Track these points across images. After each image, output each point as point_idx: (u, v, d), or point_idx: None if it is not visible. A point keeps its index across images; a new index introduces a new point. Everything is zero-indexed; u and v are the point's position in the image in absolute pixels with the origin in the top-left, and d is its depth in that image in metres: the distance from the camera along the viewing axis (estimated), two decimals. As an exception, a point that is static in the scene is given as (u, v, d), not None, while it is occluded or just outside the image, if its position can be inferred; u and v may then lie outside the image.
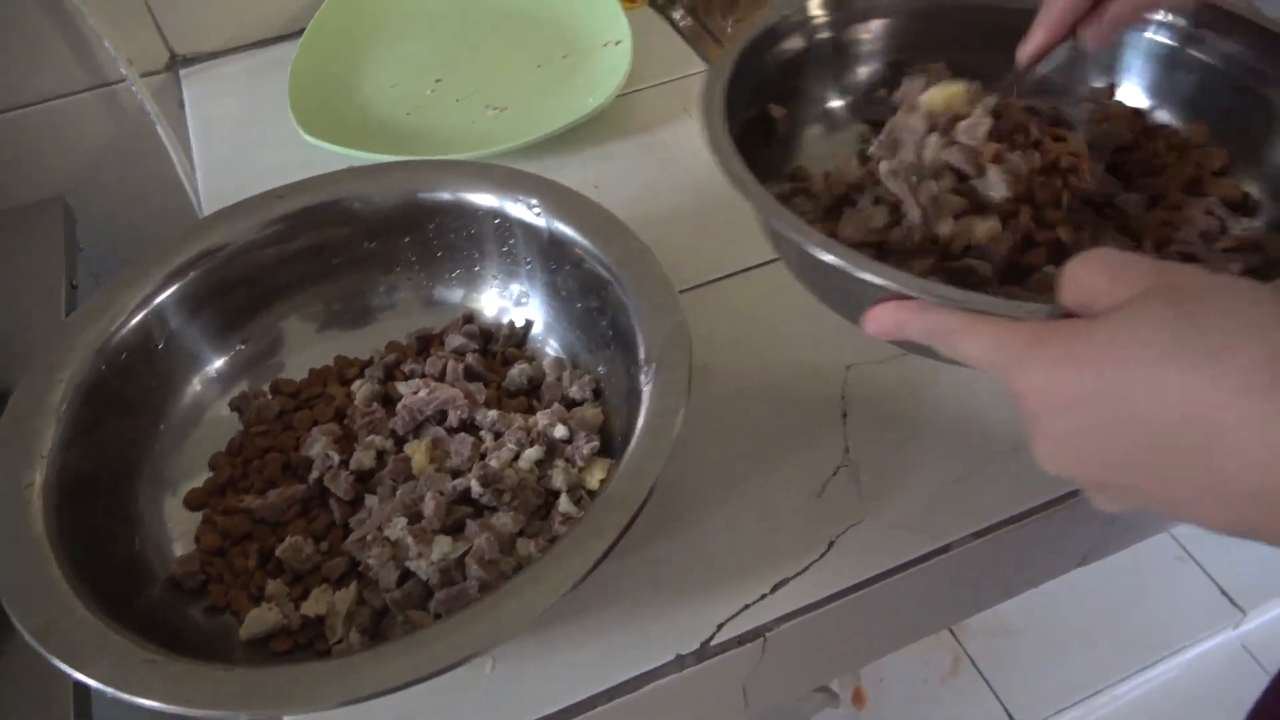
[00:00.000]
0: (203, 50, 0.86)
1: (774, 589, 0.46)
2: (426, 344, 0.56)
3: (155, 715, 0.37)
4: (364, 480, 0.49)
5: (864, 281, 0.37)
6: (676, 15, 0.85)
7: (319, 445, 0.50)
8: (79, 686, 0.51)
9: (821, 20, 0.54)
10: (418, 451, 0.49)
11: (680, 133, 0.72)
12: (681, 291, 0.59)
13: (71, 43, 0.81)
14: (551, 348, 0.55)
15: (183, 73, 0.85)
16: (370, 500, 0.48)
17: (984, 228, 0.43)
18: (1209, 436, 0.27)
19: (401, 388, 0.52)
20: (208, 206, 0.72)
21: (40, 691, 0.51)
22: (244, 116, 0.79)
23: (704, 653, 0.45)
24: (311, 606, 0.45)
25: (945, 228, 0.43)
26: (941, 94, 0.46)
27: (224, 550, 0.48)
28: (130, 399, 0.49)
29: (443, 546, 0.45)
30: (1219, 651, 1.21)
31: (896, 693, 1.18)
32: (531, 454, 0.48)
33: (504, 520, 0.46)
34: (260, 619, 0.45)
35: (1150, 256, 0.31)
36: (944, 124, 0.46)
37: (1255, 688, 0.49)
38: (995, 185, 0.43)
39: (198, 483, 0.51)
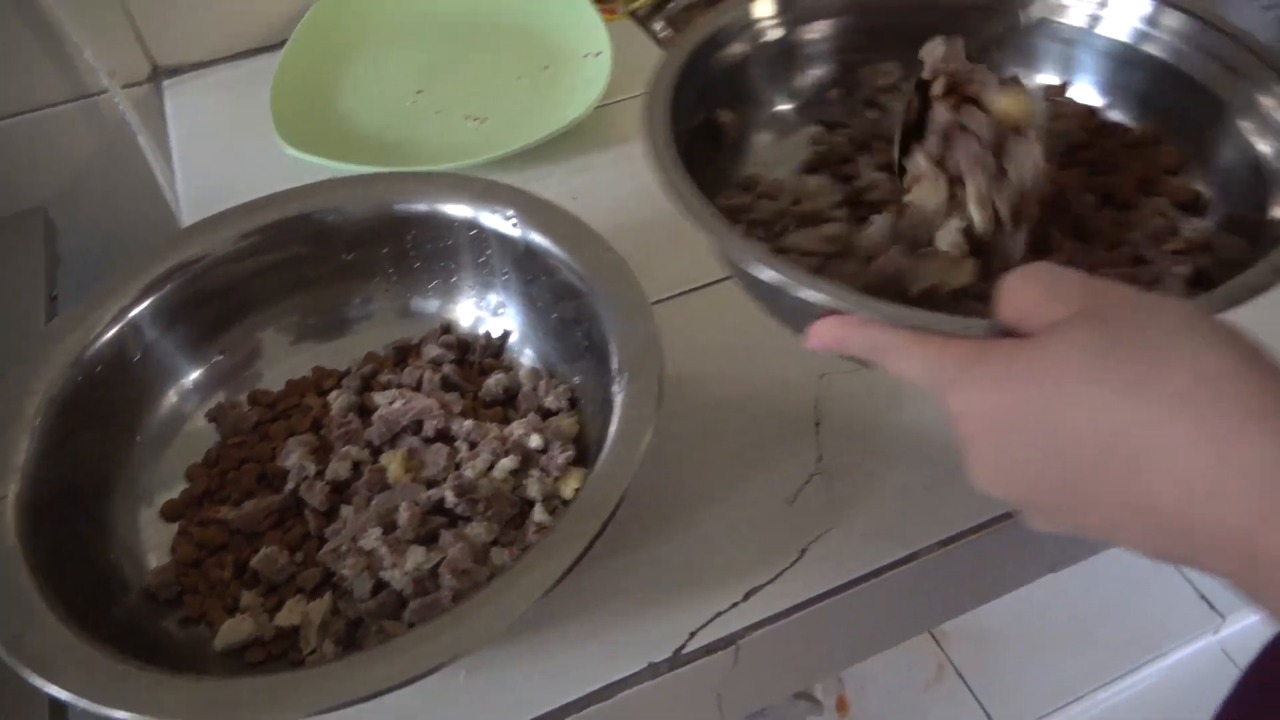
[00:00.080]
0: (185, 61, 0.86)
1: (746, 596, 0.47)
2: (404, 354, 0.56)
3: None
4: (340, 491, 0.50)
5: (802, 299, 0.37)
6: (657, 27, 0.86)
7: (295, 456, 0.50)
8: (55, 698, 0.51)
9: (768, 23, 0.53)
10: (393, 462, 0.49)
11: (659, 144, 0.73)
12: (658, 301, 0.60)
13: (53, 54, 0.81)
14: (527, 357, 0.55)
15: (165, 84, 0.85)
16: (345, 511, 0.49)
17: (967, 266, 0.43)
18: (1137, 462, 0.27)
19: (378, 398, 0.52)
20: (188, 218, 0.72)
21: (16, 704, 0.51)
22: (226, 128, 0.79)
23: (676, 660, 0.45)
24: (286, 617, 0.45)
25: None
26: (1014, 103, 0.44)
27: (200, 561, 0.48)
28: (106, 411, 0.50)
29: (416, 556, 0.45)
30: (1200, 656, 1.22)
31: (881, 700, 1.18)
32: (506, 464, 0.49)
33: (478, 530, 0.46)
34: (234, 630, 0.45)
35: (1086, 271, 0.31)
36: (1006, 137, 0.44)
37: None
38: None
39: (175, 494, 0.51)
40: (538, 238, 0.52)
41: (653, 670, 0.45)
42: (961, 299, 0.41)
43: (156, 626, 0.46)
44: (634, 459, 0.42)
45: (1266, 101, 0.43)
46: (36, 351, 0.48)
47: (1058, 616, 1.22)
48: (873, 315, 0.36)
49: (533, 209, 0.52)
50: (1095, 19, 0.51)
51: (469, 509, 0.47)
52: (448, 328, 0.56)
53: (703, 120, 0.51)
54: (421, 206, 0.54)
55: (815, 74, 0.55)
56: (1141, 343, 0.28)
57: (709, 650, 0.45)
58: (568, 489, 0.48)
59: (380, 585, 0.45)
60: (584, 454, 0.50)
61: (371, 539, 0.46)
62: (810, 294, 0.37)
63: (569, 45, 0.80)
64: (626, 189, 0.69)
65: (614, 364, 0.46)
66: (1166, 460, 0.26)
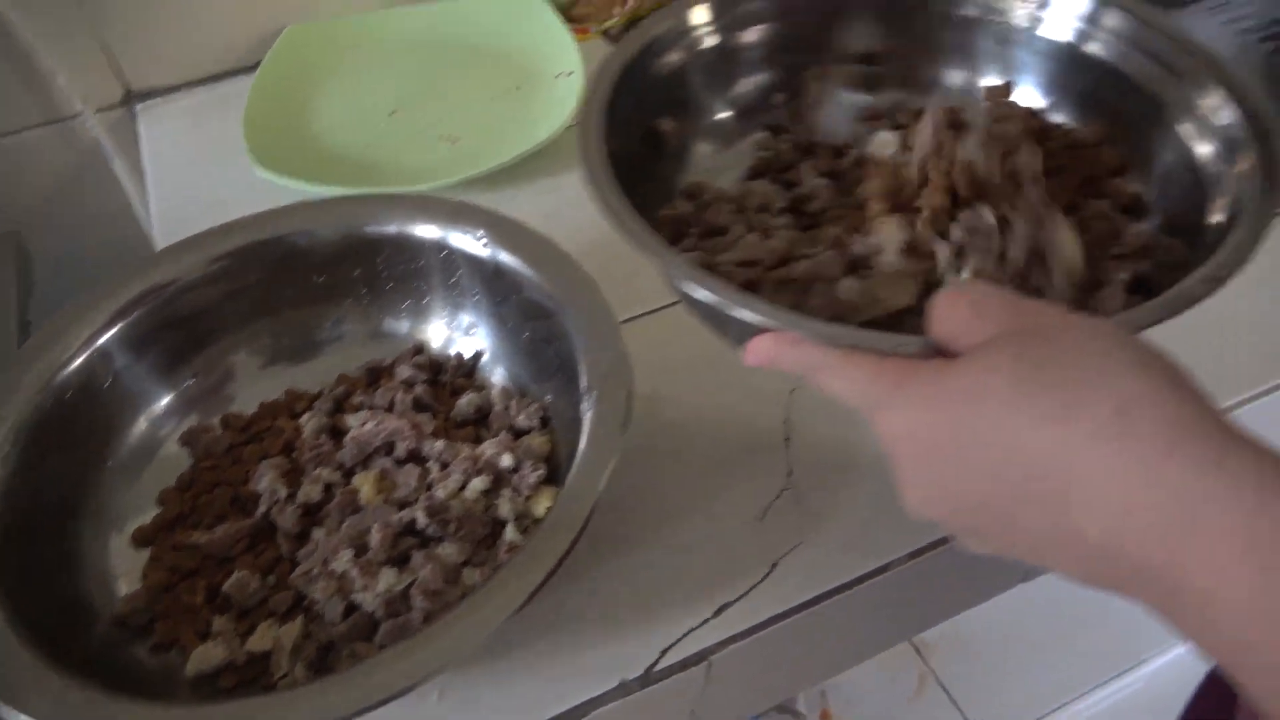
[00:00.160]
0: (159, 85, 0.86)
1: (717, 612, 0.47)
2: (377, 375, 0.56)
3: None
4: (312, 513, 0.50)
5: (734, 318, 0.37)
6: (629, 46, 0.87)
7: (266, 479, 0.50)
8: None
9: (704, 30, 0.53)
10: (365, 483, 0.49)
11: (631, 162, 0.73)
12: (630, 319, 0.60)
13: (25, 79, 0.81)
14: (499, 376, 0.56)
15: (138, 107, 0.85)
16: (317, 533, 0.49)
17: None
18: (1062, 489, 0.27)
19: (350, 420, 0.53)
20: (162, 242, 0.72)
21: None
22: (199, 151, 0.79)
23: (648, 678, 0.45)
24: (257, 642, 0.45)
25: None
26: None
27: (171, 586, 0.48)
28: (76, 436, 0.50)
29: (388, 579, 0.45)
30: (1181, 663, 1.22)
31: (865, 713, 1.18)
32: (478, 484, 0.49)
33: (449, 551, 0.46)
34: (206, 655, 0.45)
35: (1012, 291, 0.31)
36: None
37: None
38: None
39: (148, 519, 0.51)
40: (507, 258, 0.52)
41: (625, 688, 0.45)
42: (902, 316, 0.41)
43: (127, 654, 0.46)
44: (601, 478, 0.42)
45: (1205, 103, 0.43)
46: (6, 377, 0.48)
47: (1039, 625, 1.22)
48: (806, 333, 0.35)
49: (502, 229, 0.53)
50: (1036, 19, 0.51)
51: (440, 530, 0.47)
52: (420, 348, 0.57)
53: (643, 130, 0.51)
54: (392, 228, 0.54)
55: (756, 79, 0.54)
56: (1065, 367, 0.27)
57: (681, 667, 0.46)
58: (539, 508, 0.49)
59: (352, 608, 0.46)
60: (556, 472, 0.50)
61: (343, 561, 0.46)
62: (744, 313, 0.37)
63: (541, 65, 0.81)
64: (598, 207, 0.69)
65: (583, 383, 0.46)
66: (1090, 490, 0.26)
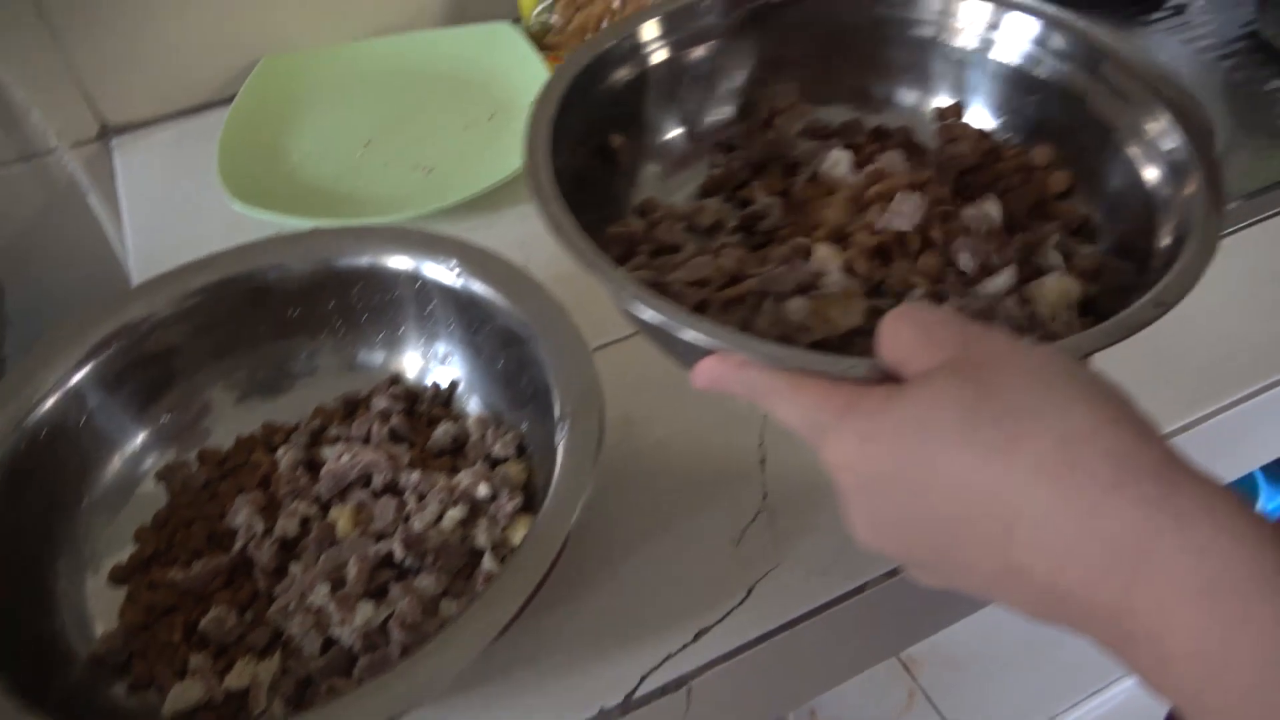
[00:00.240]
0: (134, 119, 0.87)
1: (696, 637, 0.47)
2: (353, 407, 0.56)
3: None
4: (289, 548, 0.50)
5: (679, 339, 0.36)
6: (602, 72, 0.87)
7: (243, 514, 0.50)
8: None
9: (655, 45, 0.51)
10: (342, 516, 0.50)
11: (605, 188, 0.74)
12: (601, 346, 0.61)
13: (-1, 115, 0.81)
14: (475, 405, 0.56)
15: (114, 141, 0.86)
16: (295, 568, 0.49)
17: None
18: (1006, 526, 0.26)
19: (326, 453, 0.53)
20: (138, 276, 0.72)
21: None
22: (175, 184, 0.80)
23: (628, 705, 0.45)
24: (235, 679, 0.45)
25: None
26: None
27: (148, 624, 0.48)
28: (50, 476, 0.49)
29: (365, 612, 0.45)
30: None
31: (855, 729, 1.18)
32: (454, 514, 0.49)
33: (427, 582, 0.46)
34: (183, 694, 0.45)
35: (960, 315, 0.31)
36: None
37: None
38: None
39: (126, 557, 0.51)
40: (480, 287, 0.52)
41: (604, 716, 0.45)
42: (852, 337, 0.40)
43: (105, 694, 0.46)
44: (574, 508, 0.42)
45: (1152, 127, 0.44)
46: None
47: (1026, 639, 1.22)
48: (752, 355, 0.35)
49: (474, 259, 0.53)
50: (987, 41, 0.51)
51: (418, 561, 0.47)
52: (396, 379, 0.57)
53: (593, 146, 0.50)
54: (365, 261, 0.54)
55: (707, 96, 0.54)
56: (1009, 399, 0.27)
57: (661, 693, 0.46)
58: (517, 537, 0.49)
59: (330, 642, 0.45)
60: (533, 500, 0.50)
61: (320, 596, 0.46)
62: (688, 334, 0.36)
63: (515, 94, 0.81)
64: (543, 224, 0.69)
65: (556, 411, 0.47)
66: (1034, 528, 0.25)
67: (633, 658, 0.46)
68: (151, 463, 0.54)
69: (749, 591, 0.48)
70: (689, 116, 0.54)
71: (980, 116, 0.53)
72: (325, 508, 0.51)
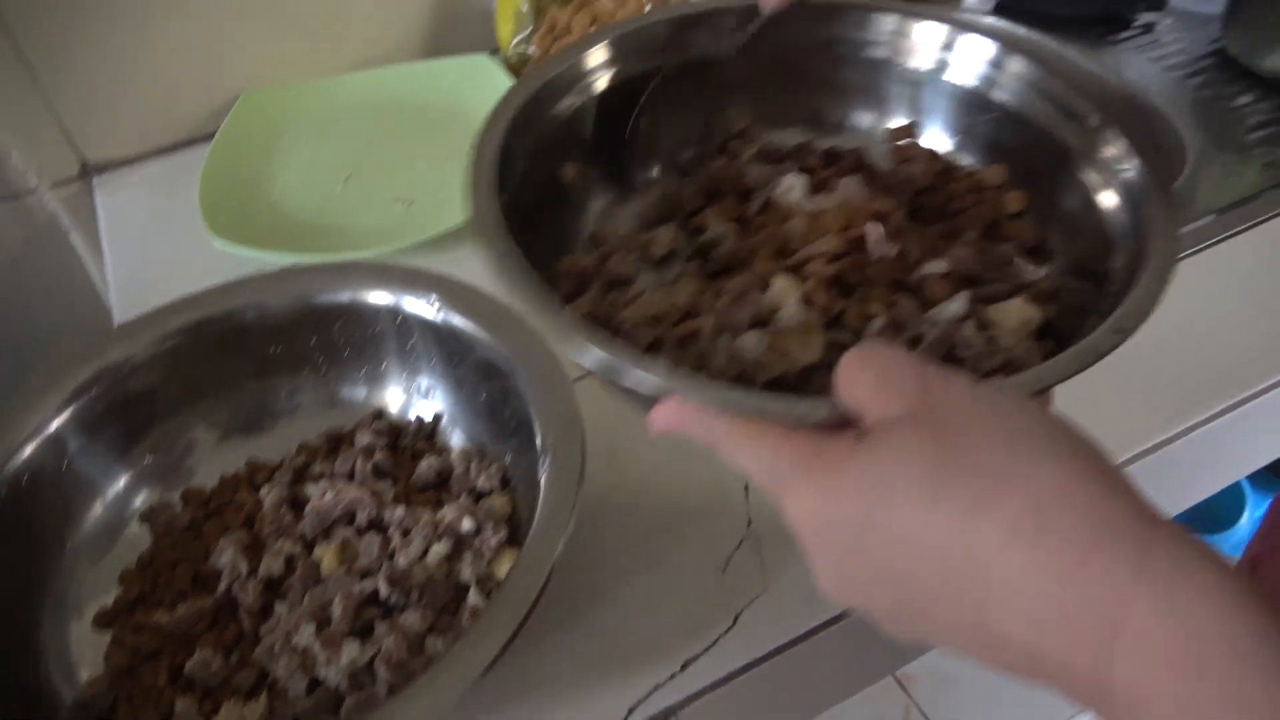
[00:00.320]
0: (115, 157, 0.87)
1: (683, 667, 0.47)
2: (337, 443, 0.56)
3: None
4: (274, 587, 0.50)
5: (627, 389, 0.35)
6: (581, 101, 0.88)
7: (227, 555, 0.50)
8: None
9: (601, 71, 0.50)
10: (327, 554, 0.49)
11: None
12: (583, 377, 0.61)
13: (-22, 156, 0.81)
14: (458, 438, 0.56)
15: (95, 180, 0.86)
16: (280, 607, 0.48)
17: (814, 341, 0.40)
18: (980, 590, 0.25)
19: (310, 490, 0.53)
20: (120, 314, 0.73)
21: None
22: (157, 221, 0.80)
23: (617, 737, 0.45)
24: (221, 722, 0.45)
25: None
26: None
27: (134, 668, 0.48)
28: (33, 522, 0.49)
29: (351, 651, 0.45)
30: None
31: (851, 748, 1.18)
32: (439, 549, 0.49)
33: (412, 619, 0.46)
34: (169, 738, 0.44)
35: (920, 356, 0.30)
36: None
37: None
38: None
39: (111, 601, 0.50)
40: (460, 321, 0.53)
41: (593, 749, 0.45)
42: (810, 372, 0.39)
43: (89, 741, 0.45)
44: (558, 541, 0.42)
45: (1108, 151, 0.43)
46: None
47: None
48: (704, 400, 0.33)
49: (454, 292, 0.53)
50: (942, 63, 0.50)
51: (403, 598, 0.47)
52: (379, 414, 0.57)
53: (543, 177, 0.48)
54: (345, 297, 0.55)
55: (659, 122, 0.52)
56: (974, 457, 0.26)
57: (650, 724, 0.46)
58: (502, 570, 0.49)
59: (316, 683, 0.45)
60: (518, 533, 0.51)
61: (305, 636, 0.46)
62: (635, 379, 0.34)
63: (494, 124, 0.82)
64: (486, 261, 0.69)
65: (538, 443, 0.47)
66: (1012, 594, 0.25)
67: (620, 690, 0.46)
68: (135, 505, 0.54)
69: (735, 619, 0.48)
70: (640, 142, 0.52)
71: (936, 138, 0.52)
72: (310, 546, 0.51)
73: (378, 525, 0.51)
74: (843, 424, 0.30)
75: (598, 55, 0.50)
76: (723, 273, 0.45)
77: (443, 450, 0.55)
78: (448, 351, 0.54)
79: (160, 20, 0.82)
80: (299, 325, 0.55)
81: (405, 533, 0.50)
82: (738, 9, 0.50)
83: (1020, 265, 0.44)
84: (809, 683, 0.52)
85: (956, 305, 0.40)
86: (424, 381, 0.57)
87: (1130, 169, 0.42)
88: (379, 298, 0.54)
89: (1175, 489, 0.66)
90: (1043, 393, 0.34)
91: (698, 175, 0.52)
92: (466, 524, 0.50)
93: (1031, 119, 0.47)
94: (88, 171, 0.86)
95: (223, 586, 0.50)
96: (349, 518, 0.51)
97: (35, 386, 0.51)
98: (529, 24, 0.85)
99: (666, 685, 0.46)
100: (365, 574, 0.49)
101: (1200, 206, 0.69)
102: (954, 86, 0.50)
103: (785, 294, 0.40)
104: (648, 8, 0.85)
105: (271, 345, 0.55)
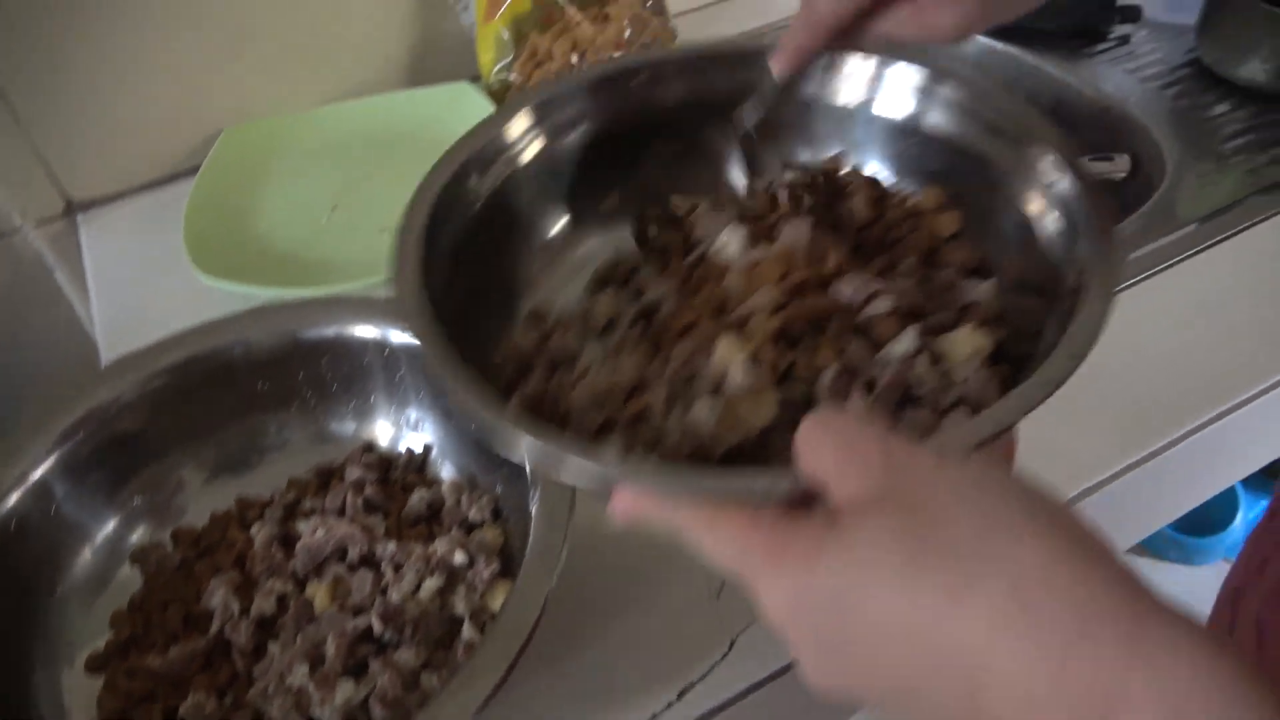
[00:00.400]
0: (100, 194, 0.87)
1: (680, 695, 0.47)
2: (327, 477, 0.56)
3: None
4: (267, 626, 0.49)
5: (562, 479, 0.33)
6: (564, 126, 0.88)
7: (219, 595, 0.50)
8: None
9: (526, 140, 0.48)
10: (319, 592, 0.49)
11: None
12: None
13: (-38, 198, 0.81)
14: (449, 470, 0.56)
15: (80, 218, 0.86)
16: (274, 647, 0.48)
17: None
18: (971, 678, 0.25)
19: (301, 527, 0.52)
20: (107, 351, 0.72)
21: None
22: (143, 258, 0.80)
23: (616, 769, 0.45)
24: (215, 766, 0.44)
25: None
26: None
27: (127, 713, 0.47)
28: (22, 568, 0.49)
29: (345, 690, 0.45)
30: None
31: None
32: (432, 584, 0.49)
33: (406, 656, 0.46)
34: (163, 784, 0.44)
35: (879, 424, 0.29)
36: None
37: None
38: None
39: (102, 645, 0.50)
40: (447, 353, 0.52)
41: (592, 781, 0.45)
42: (767, 435, 0.37)
43: (82, 789, 0.45)
44: (552, 571, 0.42)
45: (1039, 166, 0.42)
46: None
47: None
48: (660, 486, 0.32)
49: (441, 325, 0.53)
50: (871, 96, 0.48)
51: (396, 635, 0.47)
52: (369, 447, 0.57)
53: (474, 256, 0.45)
54: (331, 331, 0.55)
55: (591, 183, 0.49)
56: (951, 539, 0.25)
57: (648, 754, 0.45)
58: (496, 603, 0.49)
59: (310, 723, 0.45)
60: (510, 564, 0.50)
61: (299, 676, 0.45)
62: (577, 474, 0.32)
63: (478, 151, 0.82)
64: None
65: (529, 473, 0.47)
66: (1004, 684, 0.24)
67: (620, 719, 0.46)
68: (126, 547, 0.53)
69: (731, 645, 0.48)
70: (572, 205, 0.50)
71: (874, 172, 0.50)
72: (302, 583, 0.51)
73: (369, 561, 0.51)
74: (806, 496, 0.29)
75: (519, 124, 0.48)
76: (668, 336, 0.43)
77: (433, 482, 0.55)
78: (435, 382, 0.54)
79: (142, 57, 0.82)
80: (286, 360, 0.55)
81: (397, 568, 0.50)
82: (658, 63, 0.49)
83: (963, 287, 0.43)
84: (807, 707, 0.52)
85: (906, 342, 0.39)
86: (413, 413, 0.57)
87: (1063, 182, 0.41)
88: (365, 331, 0.54)
89: (1169, 496, 0.66)
90: (1006, 431, 0.33)
91: (633, 232, 0.50)
92: (459, 557, 0.49)
93: (964, 145, 0.45)
94: (72, 209, 0.86)
95: (215, 627, 0.49)
96: (341, 554, 0.51)
97: (22, 432, 0.50)
98: (510, 51, 0.85)
99: (664, 714, 0.46)
100: (358, 611, 0.48)
101: (1181, 216, 0.70)
102: (885, 120, 0.48)
103: (730, 356, 0.38)
104: (627, 33, 0.85)
105: (259, 381, 0.55)
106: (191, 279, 0.71)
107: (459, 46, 0.91)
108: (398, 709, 0.44)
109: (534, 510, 0.45)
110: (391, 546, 0.50)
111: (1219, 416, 0.58)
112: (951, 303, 0.42)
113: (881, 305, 0.40)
